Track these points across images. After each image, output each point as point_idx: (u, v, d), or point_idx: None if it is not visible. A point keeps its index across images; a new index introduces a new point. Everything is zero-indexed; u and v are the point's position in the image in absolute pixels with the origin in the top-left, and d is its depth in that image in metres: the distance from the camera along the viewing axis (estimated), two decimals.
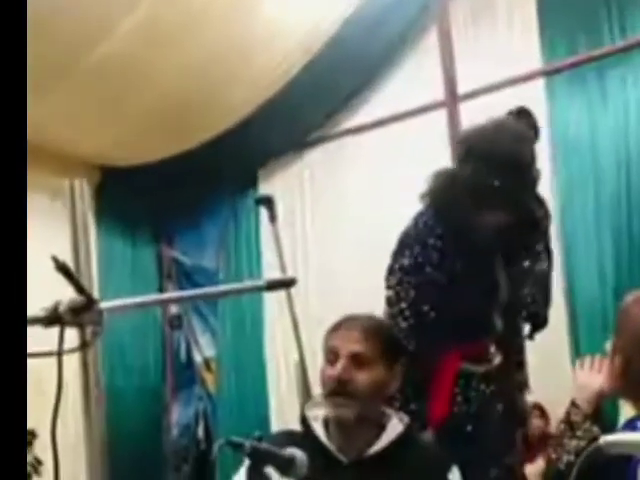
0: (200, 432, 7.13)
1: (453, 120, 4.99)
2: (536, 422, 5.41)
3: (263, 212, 7.32)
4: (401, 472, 2.04)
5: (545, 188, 5.76)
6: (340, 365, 2.06)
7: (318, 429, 2.12)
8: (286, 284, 1.91)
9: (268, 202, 4.56)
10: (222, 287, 1.68)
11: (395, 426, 2.10)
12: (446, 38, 5.29)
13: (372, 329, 2.13)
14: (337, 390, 2.05)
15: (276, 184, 7.25)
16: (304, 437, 2.13)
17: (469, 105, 5.87)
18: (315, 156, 7.11)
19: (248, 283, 1.92)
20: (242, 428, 6.77)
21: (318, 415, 2.15)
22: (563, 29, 6.01)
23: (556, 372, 5.51)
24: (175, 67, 5.62)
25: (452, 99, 5.13)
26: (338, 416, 2.07)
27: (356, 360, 2.07)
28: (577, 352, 5.65)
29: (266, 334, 7.01)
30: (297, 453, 1.77)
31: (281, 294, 6.91)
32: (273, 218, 4.49)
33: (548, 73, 6.06)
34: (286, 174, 7.25)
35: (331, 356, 2.09)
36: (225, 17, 5.46)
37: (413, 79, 6.37)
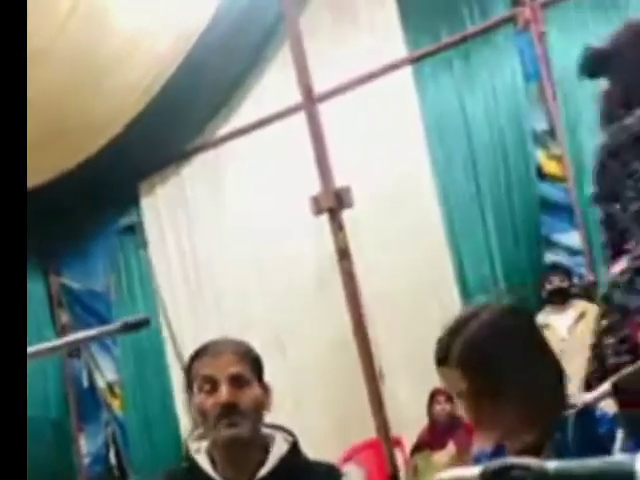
0: (112, 458, 6.99)
1: (313, 121, 5.00)
2: (441, 407, 5.46)
3: (150, 226, 7.37)
4: None
5: (424, 170, 6.02)
6: (223, 390, 2.01)
7: (203, 462, 2.07)
8: (141, 325, 1.91)
9: (131, 229, 4.44)
10: (79, 334, 1.62)
11: (280, 445, 2.07)
12: (297, 43, 5.24)
13: (242, 350, 2.10)
14: (225, 414, 2.00)
15: (158, 198, 7.16)
16: (189, 472, 2.08)
17: (336, 101, 5.97)
18: (194, 167, 7.06)
19: (103, 328, 1.89)
20: (154, 451, 6.69)
21: (201, 447, 2.09)
22: (425, 21, 6.14)
23: None
24: (42, 86, 5.49)
25: (309, 101, 5.13)
26: (232, 437, 2.00)
27: (236, 382, 2.03)
28: None
29: (168, 352, 6.93)
30: None
31: (181, 304, 6.96)
32: (144, 244, 4.40)
33: (412, 61, 6.16)
34: (167, 187, 7.17)
35: (207, 385, 2.03)
36: (84, 35, 5.37)
37: (280, 83, 6.37)
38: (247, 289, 6.49)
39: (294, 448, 2.08)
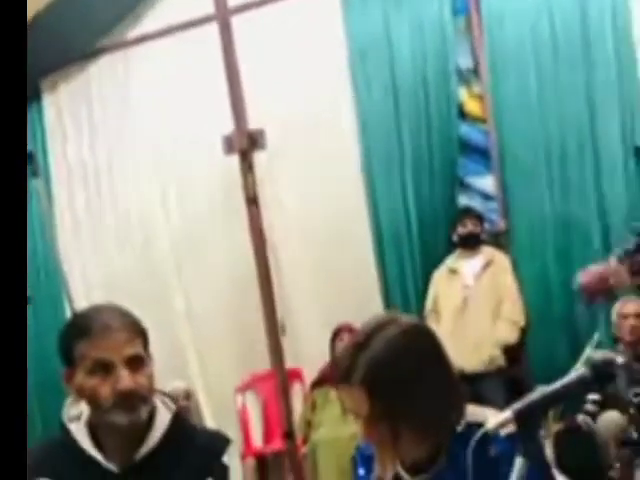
0: None
1: (225, 33, 4.69)
2: (343, 343, 5.41)
3: (50, 118, 6.96)
4: (177, 467, 1.91)
5: (344, 99, 5.82)
6: (122, 375, 1.83)
7: (81, 436, 1.91)
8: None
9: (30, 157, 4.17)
10: None
11: (163, 417, 1.94)
12: None
13: (132, 324, 1.90)
14: (123, 401, 1.83)
15: (61, 95, 6.77)
16: (63, 447, 1.91)
17: (255, 18, 5.64)
18: (101, 67, 6.64)
19: None
20: (52, 400, 6.46)
21: (81, 416, 1.93)
22: None
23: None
24: None
25: (223, 11, 4.80)
26: (130, 424, 1.85)
27: (134, 363, 1.85)
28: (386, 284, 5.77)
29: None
30: None
31: (78, 209, 6.66)
32: (35, 173, 4.14)
33: None
34: (70, 85, 6.76)
35: (99, 368, 1.84)
36: None
37: None
38: (150, 208, 6.25)
39: (177, 417, 1.96)
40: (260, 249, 4.29)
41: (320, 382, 5.48)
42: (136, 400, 1.85)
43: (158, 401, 1.95)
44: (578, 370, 1.57)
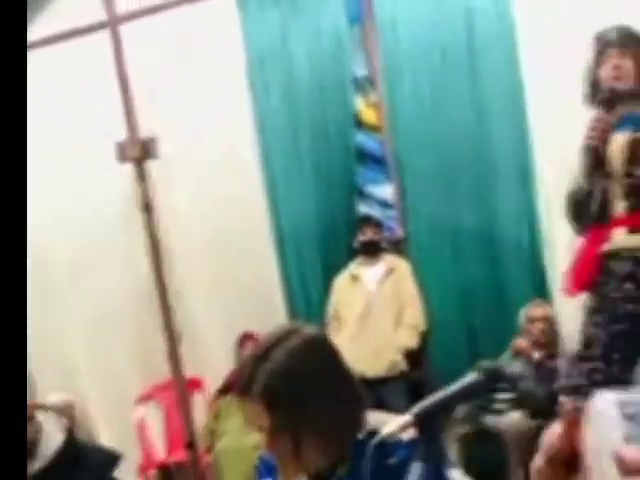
0: None
1: (116, 40, 4.61)
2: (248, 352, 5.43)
3: None
4: None
5: (242, 106, 5.78)
6: None
7: None
8: None
9: None
10: None
11: (53, 434, 1.90)
12: None
13: None
14: None
15: None
16: None
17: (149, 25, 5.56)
18: None
19: None
20: None
21: None
22: None
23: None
24: None
25: (113, 19, 4.72)
26: None
27: None
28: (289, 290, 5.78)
29: None
30: None
31: None
32: None
33: None
34: None
35: None
36: None
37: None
38: (44, 216, 6.08)
39: (68, 435, 1.90)
40: (156, 256, 4.22)
41: (224, 391, 5.44)
42: None
43: (44, 418, 1.89)
44: (470, 375, 1.62)
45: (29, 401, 1.84)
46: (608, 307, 3.04)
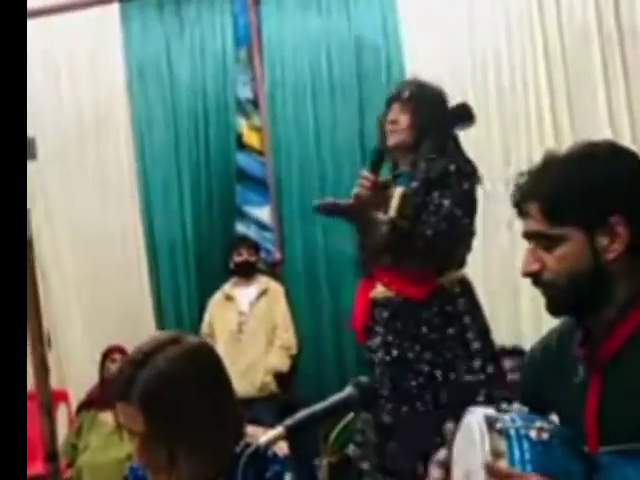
0: None
1: None
2: (114, 365, 5.25)
3: None
4: None
5: (121, 115, 5.70)
6: None
7: None
8: None
9: None
10: None
11: None
12: None
13: None
14: None
15: None
16: None
17: (42, 22, 5.44)
18: None
19: None
20: None
21: None
22: None
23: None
24: None
25: None
26: None
27: None
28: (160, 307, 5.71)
29: None
30: None
31: None
32: None
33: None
34: None
35: None
36: None
37: None
38: None
39: None
40: (28, 261, 4.07)
41: (87, 404, 5.27)
42: None
43: None
44: (345, 390, 1.63)
45: None
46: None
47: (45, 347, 4.05)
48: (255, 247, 5.46)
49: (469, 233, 3.14)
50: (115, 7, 5.78)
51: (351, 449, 4.87)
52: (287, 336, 5.27)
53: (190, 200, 5.72)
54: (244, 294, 5.36)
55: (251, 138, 5.68)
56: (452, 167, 3.05)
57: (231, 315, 5.31)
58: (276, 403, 5.13)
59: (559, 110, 5.19)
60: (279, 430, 1.53)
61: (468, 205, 3.08)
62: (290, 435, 1.54)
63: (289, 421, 1.54)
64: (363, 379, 1.65)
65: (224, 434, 1.76)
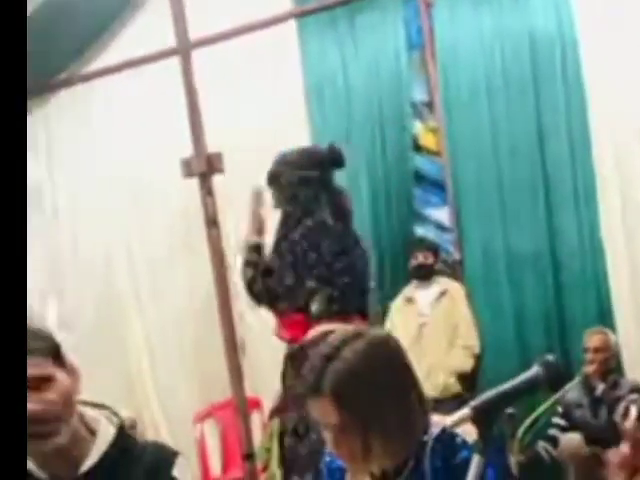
0: None
1: (187, 64, 4.75)
2: None
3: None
4: None
5: (302, 131, 5.87)
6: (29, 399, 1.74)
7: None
8: None
9: None
10: None
11: (107, 431, 1.88)
12: None
13: (33, 340, 1.79)
14: (35, 427, 1.74)
15: None
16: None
17: (214, 52, 5.74)
18: (61, 98, 6.65)
19: None
20: None
21: None
22: None
23: None
24: None
25: (184, 44, 4.86)
26: (51, 450, 1.79)
27: (37, 384, 1.76)
28: None
29: None
30: None
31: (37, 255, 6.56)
32: None
33: (297, 16, 5.96)
34: (30, 119, 6.75)
35: None
36: None
37: (156, 25, 6.02)
38: (110, 242, 6.24)
39: (121, 431, 1.90)
40: (220, 271, 4.29)
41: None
42: (47, 424, 1.77)
43: (101, 415, 1.92)
44: (532, 369, 1.60)
45: (63, 401, 1.85)
46: None
47: (240, 355, 4.27)
48: (433, 249, 5.49)
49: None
50: (292, 24, 5.99)
51: (541, 445, 4.82)
52: (469, 336, 5.26)
53: (369, 204, 5.81)
54: (424, 296, 5.40)
55: (427, 140, 5.72)
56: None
57: (411, 317, 5.35)
58: (460, 404, 5.12)
59: None
60: (465, 411, 1.52)
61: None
62: (477, 417, 1.52)
63: (476, 402, 1.53)
64: (550, 357, 1.60)
65: (412, 422, 1.79)
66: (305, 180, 3.46)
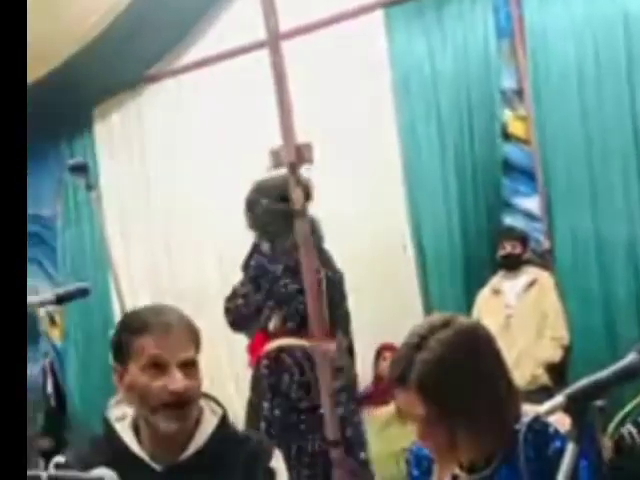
0: (49, 387, 6.89)
1: (276, 58, 4.78)
2: (386, 363, 5.39)
3: (101, 151, 7.12)
4: (222, 470, 1.90)
5: (387, 119, 5.87)
6: (177, 377, 1.84)
7: (126, 434, 1.92)
8: (78, 294, 1.97)
9: (81, 169, 4.29)
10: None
11: (209, 420, 1.94)
12: None
13: (188, 326, 1.92)
14: (174, 404, 1.85)
15: (113, 123, 6.96)
16: (108, 445, 1.92)
17: (309, 39, 5.77)
18: (154, 92, 6.81)
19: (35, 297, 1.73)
20: (92, 381, 6.62)
21: (126, 416, 1.94)
22: None
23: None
24: None
25: (274, 37, 4.90)
26: (177, 431, 1.87)
27: (187, 367, 1.87)
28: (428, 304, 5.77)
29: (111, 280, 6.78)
30: (106, 475, 1.58)
31: (131, 233, 6.76)
32: (90, 187, 4.26)
33: (384, 5, 5.96)
34: (122, 112, 6.94)
35: (153, 366, 1.85)
36: None
37: (246, 18, 6.09)
38: (200, 229, 6.36)
39: (223, 421, 1.96)
40: (310, 262, 4.29)
41: (363, 401, 5.46)
42: (186, 403, 1.87)
43: (204, 404, 1.97)
44: (628, 357, 1.50)
45: (199, 391, 1.95)
46: None
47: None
48: (522, 238, 5.41)
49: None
50: (379, 14, 5.99)
51: (626, 430, 4.69)
52: (558, 326, 5.17)
53: (456, 193, 5.73)
54: (511, 286, 5.33)
55: (516, 128, 5.64)
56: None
57: (498, 308, 5.29)
58: (547, 397, 5.04)
59: None
60: (559, 399, 1.45)
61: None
62: (571, 405, 1.45)
63: (570, 390, 1.46)
64: None
65: (502, 413, 1.76)
66: (275, 212, 3.82)
